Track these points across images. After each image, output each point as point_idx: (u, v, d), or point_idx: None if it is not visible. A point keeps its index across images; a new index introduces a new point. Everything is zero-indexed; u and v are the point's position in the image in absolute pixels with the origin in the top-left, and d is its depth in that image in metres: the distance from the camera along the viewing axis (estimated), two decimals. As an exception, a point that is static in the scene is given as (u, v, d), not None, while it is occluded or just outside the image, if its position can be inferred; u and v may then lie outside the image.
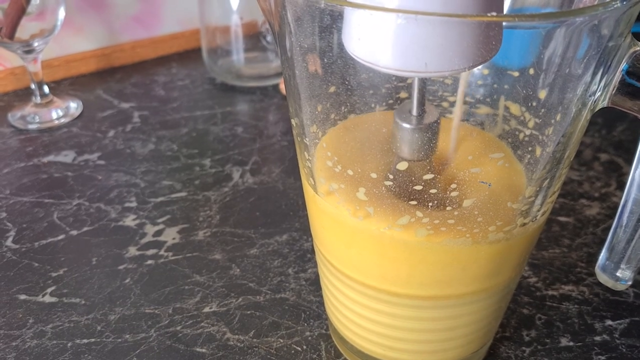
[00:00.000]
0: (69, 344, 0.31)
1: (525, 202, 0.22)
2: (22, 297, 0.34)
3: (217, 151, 0.49)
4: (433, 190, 0.21)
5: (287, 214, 0.41)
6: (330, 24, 0.20)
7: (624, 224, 0.22)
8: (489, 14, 0.17)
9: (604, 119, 0.53)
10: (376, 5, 0.17)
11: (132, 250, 0.37)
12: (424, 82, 0.21)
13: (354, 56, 0.19)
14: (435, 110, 0.22)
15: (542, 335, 0.31)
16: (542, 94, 0.21)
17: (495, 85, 0.24)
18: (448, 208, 0.21)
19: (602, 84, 0.20)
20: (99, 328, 0.32)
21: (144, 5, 0.66)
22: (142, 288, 0.34)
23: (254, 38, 0.60)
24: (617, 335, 0.31)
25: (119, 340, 0.31)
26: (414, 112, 0.21)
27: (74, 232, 0.39)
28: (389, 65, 0.18)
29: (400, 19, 0.17)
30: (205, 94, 0.59)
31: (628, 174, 0.22)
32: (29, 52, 0.51)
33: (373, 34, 0.18)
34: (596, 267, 0.24)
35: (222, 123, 0.53)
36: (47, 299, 0.34)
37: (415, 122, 0.21)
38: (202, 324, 0.32)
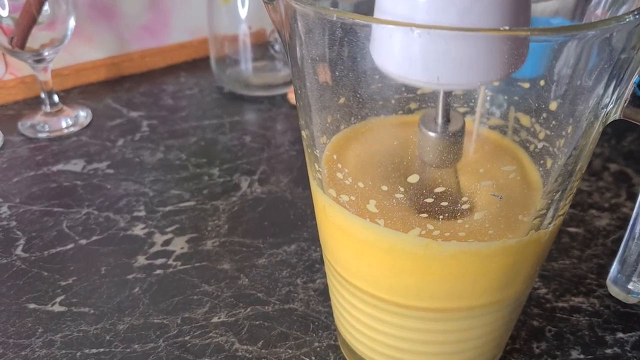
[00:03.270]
0: (78, 354, 0.31)
1: (537, 214, 0.22)
2: (32, 306, 0.34)
3: (226, 160, 0.49)
4: (444, 203, 0.21)
5: (295, 223, 0.41)
6: (341, 36, 0.20)
7: (636, 236, 0.22)
8: (501, 28, 0.17)
9: (614, 129, 0.52)
10: (395, 19, 0.17)
11: (141, 260, 0.37)
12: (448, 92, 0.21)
13: (382, 69, 0.19)
14: (460, 117, 0.22)
15: (552, 347, 0.31)
16: (553, 106, 0.21)
17: (505, 97, 0.24)
18: (459, 221, 0.21)
19: (614, 96, 0.20)
20: (107, 338, 0.32)
21: (153, 15, 0.66)
22: (151, 298, 0.34)
23: (262, 47, 0.60)
24: (628, 348, 0.31)
25: (128, 350, 0.31)
26: (439, 120, 0.21)
27: (83, 241, 0.39)
28: (404, 75, 0.18)
29: (415, 33, 0.17)
30: (214, 103, 0.59)
31: (638, 184, 0.22)
32: (39, 61, 0.52)
33: (394, 46, 0.18)
34: (607, 280, 0.24)
35: (230, 132, 0.54)
36: (57, 308, 0.34)
37: (440, 130, 0.21)
38: (211, 334, 0.32)
